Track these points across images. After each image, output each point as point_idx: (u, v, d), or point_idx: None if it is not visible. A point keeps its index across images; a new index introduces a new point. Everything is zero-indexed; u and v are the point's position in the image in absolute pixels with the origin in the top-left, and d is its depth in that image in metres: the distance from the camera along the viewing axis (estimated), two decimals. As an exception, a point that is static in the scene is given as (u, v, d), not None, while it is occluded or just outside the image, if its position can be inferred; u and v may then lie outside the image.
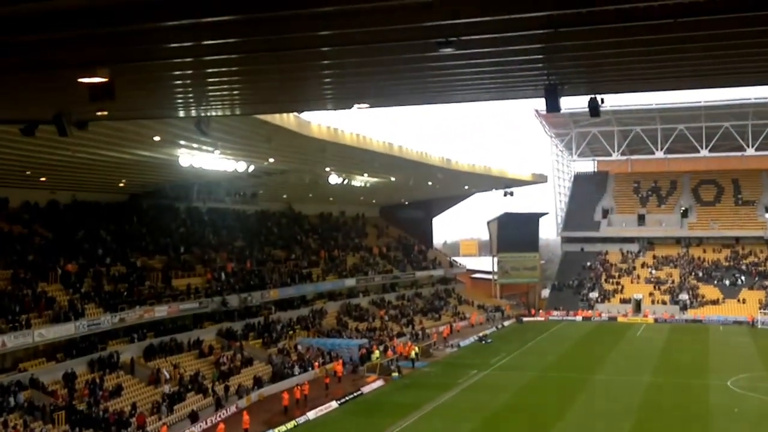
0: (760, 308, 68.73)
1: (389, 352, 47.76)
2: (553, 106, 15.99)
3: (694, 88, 19.85)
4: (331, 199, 67.29)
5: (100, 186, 43.66)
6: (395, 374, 44.05)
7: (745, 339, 57.95)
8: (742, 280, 74.95)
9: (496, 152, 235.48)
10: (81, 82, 13.39)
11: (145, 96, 18.01)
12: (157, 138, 29.67)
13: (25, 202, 40.69)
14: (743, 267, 77.65)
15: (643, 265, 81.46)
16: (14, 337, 30.30)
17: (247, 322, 46.57)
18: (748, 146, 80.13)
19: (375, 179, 55.20)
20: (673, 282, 77.01)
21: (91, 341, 35.06)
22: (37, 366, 32.22)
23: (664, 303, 73.47)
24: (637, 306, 73.51)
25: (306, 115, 33.89)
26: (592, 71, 15.86)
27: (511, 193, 68.08)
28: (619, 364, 47.04)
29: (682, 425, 31.62)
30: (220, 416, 33.60)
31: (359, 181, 54.46)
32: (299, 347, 46.26)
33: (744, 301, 71.25)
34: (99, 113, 19.44)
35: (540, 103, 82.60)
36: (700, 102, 78.74)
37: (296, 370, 42.08)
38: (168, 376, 35.72)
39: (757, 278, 74.84)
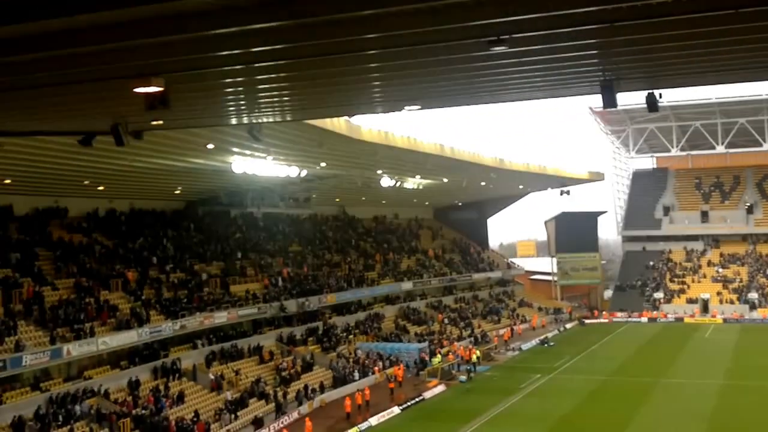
0: None
1: (450, 356, 47.39)
2: (609, 102, 15.56)
3: (757, 81, 18.99)
4: (384, 201, 67.35)
5: (157, 194, 44.80)
6: (462, 377, 43.83)
7: None
8: None
9: (551, 151, 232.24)
10: (137, 92, 13.62)
11: (199, 104, 18.25)
12: (210, 145, 30.19)
13: (84, 212, 41.91)
14: None
15: (708, 264, 79.02)
16: (78, 345, 31.14)
17: (307, 327, 46.91)
18: (813, 138, 76.62)
19: (427, 181, 54.99)
20: (741, 280, 74.47)
21: (154, 348, 35.85)
22: (101, 374, 33.05)
23: (732, 302, 71.09)
24: (705, 306, 71.29)
25: (357, 119, 34.07)
26: (649, 65, 15.38)
27: (568, 192, 66.97)
28: (689, 367, 45.83)
29: (759, 429, 30.56)
30: (282, 422, 33.85)
31: (412, 183, 54.37)
32: (359, 352, 46.31)
33: None
34: (154, 122, 19.88)
35: (594, 100, 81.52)
36: (761, 95, 75.90)
37: (356, 375, 42.12)
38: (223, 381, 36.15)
39: None
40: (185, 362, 36.75)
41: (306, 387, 38.47)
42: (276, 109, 20.08)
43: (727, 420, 32.42)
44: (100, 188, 39.19)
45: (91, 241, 40.17)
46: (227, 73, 14.34)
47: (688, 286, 75.19)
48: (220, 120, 22.37)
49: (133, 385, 32.92)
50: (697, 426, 31.19)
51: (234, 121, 22.24)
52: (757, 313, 68.27)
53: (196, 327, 37.98)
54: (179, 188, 44.07)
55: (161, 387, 33.75)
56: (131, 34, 10.69)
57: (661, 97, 17.34)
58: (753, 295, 70.85)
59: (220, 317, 39.72)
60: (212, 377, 36.46)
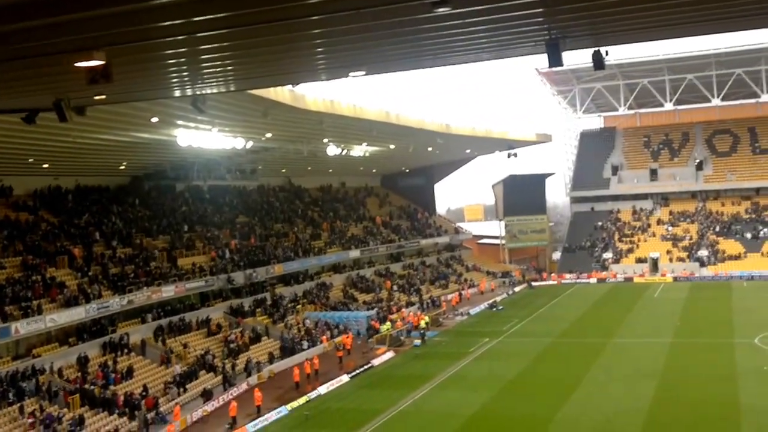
0: None
1: (399, 322, 48.70)
2: (555, 61, 16.03)
3: (704, 34, 20.30)
4: (330, 170, 68.05)
5: (102, 169, 44.98)
6: (417, 341, 45.14)
7: None
8: (764, 233, 74.35)
9: (498, 114, 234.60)
10: (78, 67, 13.95)
11: (142, 77, 18.49)
12: (154, 119, 30.38)
13: (30, 190, 41.98)
14: (765, 219, 76.94)
15: (658, 222, 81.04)
16: (27, 323, 31.48)
17: (255, 299, 47.77)
18: (763, 92, 79.13)
19: (374, 148, 55.74)
20: (690, 238, 76.50)
21: (102, 324, 36.36)
22: (50, 351, 33.44)
23: (682, 260, 73.12)
24: (654, 265, 73.20)
25: (301, 88, 34.39)
26: (594, 22, 15.82)
27: (515, 155, 68.50)
28: (639, 327, 46.85)
29: (709, 386, 31.18)
30: (231, 394, 34.73)
31: (358, 151, 55.06)
32: (307, 322, 47.34)
33: None
34: (97, 97, 20.10)
35: (540, 61, 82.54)
36: (709, 50, 77.63)
37: (305, 345, 43.20)
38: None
39: None
40: (133, 337, 37.40)
41: (251, 359, 39.52)
42: (220, 79, 20.41)
43: (677, 378, 33.21)
44: (45, 166, 39.14)
45: (37, 218, 40.37)
46: (169, 44, 14.71)
47: (638, 246, 77.26)
48: (164, 92, 22.63)
49: (82, 362, 33.45)
50: (646, 384, 31.81)
51: (178, 93, 22.51)
52: (707, 271, 70.57)
53: (144, 301, 38.58)
54: (124, 163, 44.22)
55: (110, 362, 34.33)
56: (71, 8, 11.07)
57: (607, 54, 17.88)
58: (703, 253, 73.09)
59: (168, 291, 40.34)
60: (160, 351, 37.04)
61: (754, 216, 78.02)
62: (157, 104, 27.24)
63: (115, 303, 36.34)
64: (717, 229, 77.25)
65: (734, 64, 78.25)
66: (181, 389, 34.16)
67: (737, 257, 71.77)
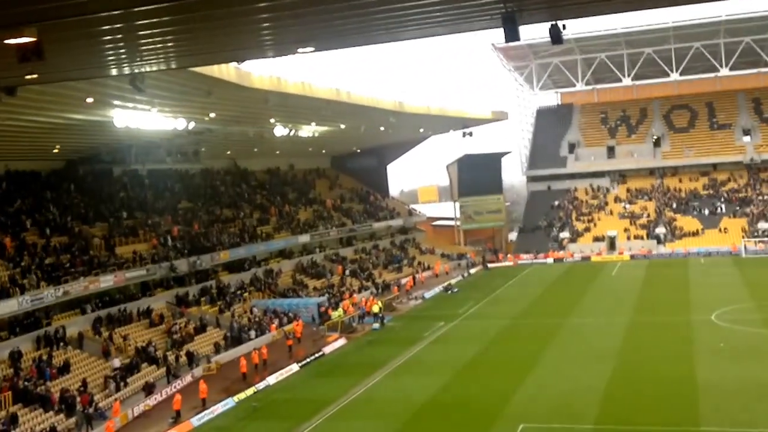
0: (743, 236, 70.42)
1: (351, 308, 49.14)
2: (511, 36, 16.21)
3: (663, 7, 20.83)
4: (278, 152, 67.76)
5: (34, 154, 43.92)
6: (376, 325, 45.89)
7: (728, 270, 59.36)
8: (722, 209, 76.75)
9: (453, 92, 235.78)
10: (7, 44, 13.78)
11: (76, 55, 18.33)
12: (90, 99, 29.92)
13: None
14: (723, 195, 79.33)
15: (615, 200, 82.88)
16: (-46, 317, 30.79)
17: (200, 287, 47.61)
18: (722, 66, 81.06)
19: (324, 128, 55.69)
20: (648, 216, 78.44)
21: (36, 317, 35.73)
22: (-20, 346, 32.78)
23: (640, 238, 74.85)
24: (611, 243, 74.95)
25: (247, 65, 34.19)
26: None
27: (471, 134, 68.99)
28: (595, 306, 47.99)
29: (666, 364, 31.91)
30: (175, 387, 34.64)
31: (307, 131, 54.95)
32: (255, 310, 47.42)
33: (726, 231, 73.03)
34: (28, 77, 19.81)
35: (497, 37, 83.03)
36: (668, 23, 79.07)
37: (252, 334, 43.30)
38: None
39: (738, 205, 76.73)
40: (70, 330, 36.87)
41: (196, 350, 39.46)
42: (159, 56, 20.29)
43: (634, 356, 34.00)
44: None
45: None
46: (105, 19, 14.63)
47: (595, 224, 79.00)
48: (100, 71, 22.35)
49: (15, 357, 32.83)
50: (603, 364, 32.41)
51: (115, 71, 22.28)
52: (665, 248, 72.69)
53: (81, 292, 37.97)
54: (57, 147, 43.23)
55: (45, 357, 33.82)
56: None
57: (564, 28, 18.26)
58: (660, 230, 75.23)
59: (107, 281, 39.80)
60: (99, 344, 36.78)
61: (711, 192, 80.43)
62: (92, 83, 26.83)
63: (50, 294, 35.63)
64: (674, 206, 79.34)
65: (693, 37, 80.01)
66: (122, 383, 33.94)
67: (695, 234, 73.99)
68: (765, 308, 42.33)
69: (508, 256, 77.74)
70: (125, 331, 39.21)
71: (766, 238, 69.59)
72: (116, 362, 35.37)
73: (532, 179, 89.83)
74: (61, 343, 35.61)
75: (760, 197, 77.47)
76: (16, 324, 34.77)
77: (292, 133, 52.58)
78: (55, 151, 44.40)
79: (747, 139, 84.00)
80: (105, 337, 37.57)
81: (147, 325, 41.05)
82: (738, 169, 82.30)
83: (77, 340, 36.58)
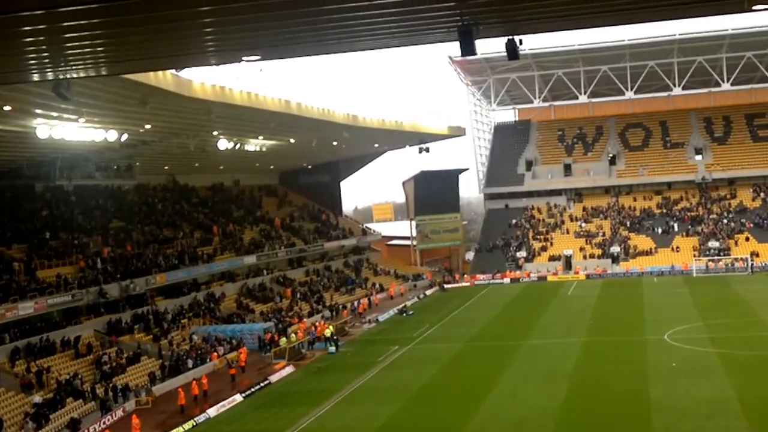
0: (694, 255, 73.12)
1: (300, 333, 48.30)
2: (467, 50, 16.36)
3: (620, 24, 21.45)
4: (221, 167, 66.55)
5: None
6: (332, 348, 45.62)
7: (680, 289, 61.59)
8: (674, 228, 79.39)
9: (409, 106, 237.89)
10: None
11: None
12: (7, 107, 28.72)
13: None
14: (676, 213, 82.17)
15: (571, 219, 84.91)
16: None
17: (132, 314, 45.99)
18: (675, 85, 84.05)
19: (272, 142, 55.00)
20: (603, 234, 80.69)
21: None
22: None
23: (595, 257, 76.93)
24: (567, 263, 76.88)
25: (186, 73, 33.44)
26: (508, 9, 16.30)
27: (427, 149, 69.72)
28: (551, 327, 49.23)
29: (620, 384, 33.16)
30: (105, 422, 33.30)
31: (253, 145, 54.12)
32: (194, 337, 46.09)
33: (678, 249, 75.75)
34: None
35: (454, 49, 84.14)
36: (623, 40, 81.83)
37: (191, 363, 42.00)
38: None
39: (690, 224, 79.49)
40: (-17, 362, 35.07)
41: (127, 382, 38.04)
42: (88, 62, 19.49)
43: (588, 377, 35.28)
44: None
45: None
46: (24, 19, 13.86)
47: (551, 243, 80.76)
48: (20, 76, 21.48)
49: None
50: (558, 385, 33.52)
51: (36, 77, 21.35)
52: (619, 267, 74.95)
53: (-4, 320, 36.20)
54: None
55: None
56: None
57: (521, 43, 18.49)
58: (615, 249, 77.39)
59: (26, 308, 37.97)
60: (18, 377, 34.88)
61: (664, 211, 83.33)
62: (10, 89, 25.69)
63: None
64: (629, 224, 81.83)
65: (647, 56, 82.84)
66: (43, 420, 32.15)
67: (648, 252, 76.62)
68: (714, 327, 44.54)
69: (465, 276, 78.25)
70: (47, 362, 37.29)
71: (716, 257, 72.13)
72: (37, 398, 33.51)
73: (489, 197, 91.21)
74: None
75: (711, 216, 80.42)
76: None
77: (237, 147, 51.54)
78: (-33, 165, 42.42)
79: (699, 158, 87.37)
80: (23, 370, 35.67)
81: (72, 356, 39.22)
82: (690, 188, 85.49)
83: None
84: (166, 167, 61.09)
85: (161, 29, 15.95)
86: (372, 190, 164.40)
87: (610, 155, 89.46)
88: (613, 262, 75.71)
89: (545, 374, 35.99)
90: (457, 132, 78.64)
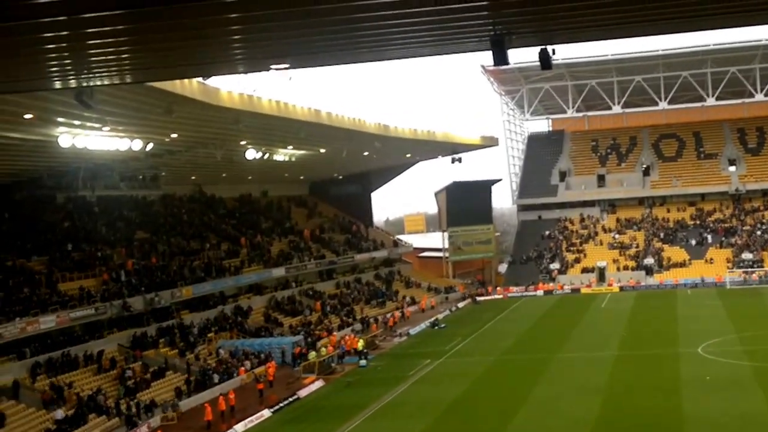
0: (728, 267, 72.66)
1: (329, 347, 47.84)
2: (500, 60, 16.56)
3: (651, 35, 21.67)
4: (250, 177, 66.36)
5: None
6: (362, 362, 45.41)
7: (714, 301, 61.41)
8: (708, 239, 79.06)
9: (441, 115, 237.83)
10: None
11: (12, 65, 17.29)
12: (28, 116, 28.48)
13: None
14: (709, 225, 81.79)
15: (605, 230, 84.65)
16: None
17: (157, 327, 45.49)
18: (708, 96, 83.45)
19: (301, 152, 54.70)
20: (637, 246, 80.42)
21: None
22: None
23: (629, 269, 76.67)
24: (601, 274, 76.50)
25: (214, 80, 33.00)
26: (541, 19, 16.19)
27: (459, 160, 69.42)
28: (584, 340, 49.20)
29: (653, 398, 33.21)
30: (129, 440, 32.98)
31: (282, 155, 53.79)
32: (221, 351, 45.67)
33: (711, 261, 75.31)
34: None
35: (487, 58, 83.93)
36: (657, 50, 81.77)
37: (216, 378, 41.59)
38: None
39: (723, 236, 78.94)
40: (4, 378, 34.52)
41: (153, 397, 37.46)
42: (112, 69, 19.25)
43: (622, 390, 35.25)
44: None
45: None
46: (47, 25, 13.55)
47: (585, 255, 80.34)
48: (41, 84, 21.24)
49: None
50: (591, 398, 33.60)
51: (59, 85, 21.19)
52: (653, 279, 74.53)
53: (16, 335, 35.55)
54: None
55: None
56: None
57: (554, 53, 18.44)
58: (649, 261, 77.03)
59: (47, 322, 37.35)
60: (39, 393, 34.49)
61: (698, 222, 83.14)
62: (31, 97, 25.49)
63: (-22, 338, 33.37)
64: (662, 236, 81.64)
65: (680, 66, 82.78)
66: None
67: (682, 264, 76.46)
68: (748, 340, 44.58)
69: (498, 288, 77.78)
70: (69, 378, 36.87)
71: (749, 269, 71.78)
72: (59, 413, 33.03)
73: (522, 208, 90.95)
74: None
75: (744, 228, 79.90)
76: None
77: (265, 157, 51.25)
78: (-15, 173, 42.23)
79: (732, 169, 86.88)
80: (44, 386, 35.31)
81: (95, 371, 38.81)
82: (724, 199, 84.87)
83: (12, 390, 34.08)
84: (193, 177, 61.01)
85: (187, 36, 15.70)
86: (403, 201, 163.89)
87: (644, 166, 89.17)
88: (646, 274, 75.36)
89: (578, 388, 36.09)
90: (490, 142, 78.28)
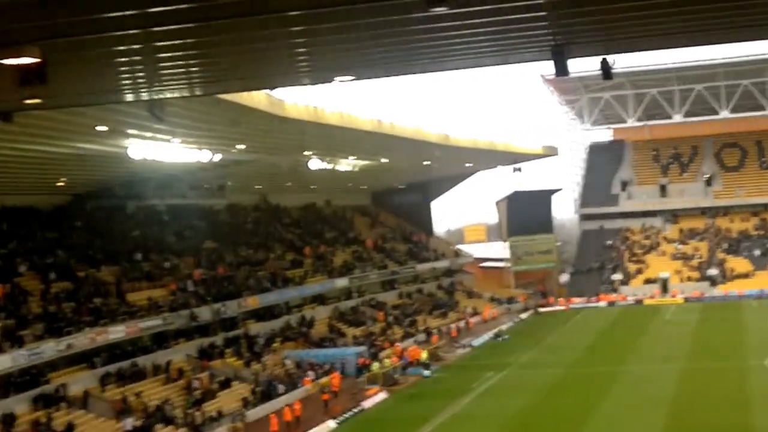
0: None
1: (394, 358, 47.59)
2: (561, 70, 16.35)
3: (714, 44, 21.56)
4: (313, 187, 66.54)
5: (34, 188, 42.28)
6: (426, 372, 45.20)
7: None
8: None
9: (500, 124, 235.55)
10: (5, 65, 12.89)
11: (85, 78, 17.50)
12: (101, 127, 28.89)
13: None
14: None
15: (667, 241, 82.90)
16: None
17: (224, 338, 45.56)
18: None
19: (364, 162, 54.78)
20: (700, 257, 78.57)
21: (32, 374, 33.48)
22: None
23: (693, 280, 75.10)
24: (664, 286, 74.83)
25: (279, 93, 33.46)
26: (602, 28, 15.98)
27: (520, 169, 68.47)
28: (649, 352, 48.32)
29: (720, 413, 32.37)
30: (197, 448, 33.11)
31: (346, 165, 53.87)
32: (286, 362, 45.68)
33: None
34: (29, 101, 18.82)
35: (546, 67, 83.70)
36: (717, 59, 79.78)
37: (282, 388, 41.44)
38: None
39: None
40: (74, 388, 34.76)
41: (220, 408, 37.52)
42: (182, 82, 19.50)
43: (688, 404, 34.69)
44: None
45: None
46: (120, 39, 13.68)
47: (647, 266, 78.57)
48: (113, 97, 21.54)
49: (8, 421, 30.52)
50: (657, 413, 33.04)
51: (130, 97, 21.48)
52: (718, 290, 72.50)
53: (87, 345, 35.75)
54: (63, 180, 41.78)
55: (44, 419, 31.54)
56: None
57: (615, 63, 18.08)
58: (713, 272, 74.96)
59: (117, 332, 37.53)
60: (108, 403, 34.79)
61: (762, 233, 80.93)
62: (104, 109, 25.81)
63: (50, 348, 33.43)
64: (726, 246, 79.65)
65: (742, 74, 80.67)
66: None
67: (746, 275, 74.23)
68: None
69: (560, 299, 76.66)
70: (137, 388, 37.03)
71: None
72: (129, 423, 33.13)
73: (584, 218, 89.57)
74: (62, 403, 33.40)
75: None
76: (9, 383, 32.47)
77: (329, 167, 51.40)
78: (60, 184, 42.69)
79: None
80: (115, 395, 35.63)
81: (163, 381, 38.94)
82: None
83: (82, 399, 34.43)
84: (258, 187, 61.46)
85: (255, 50, 15.84)
86: (464, 211, 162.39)
87: (706, 176, 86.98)
88: (711, 285, 73.50)
89: (643, 402, 35.36)
90: (550, 152, 77.39)
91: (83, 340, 35.45)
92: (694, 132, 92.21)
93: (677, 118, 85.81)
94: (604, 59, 17.74)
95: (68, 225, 45.02)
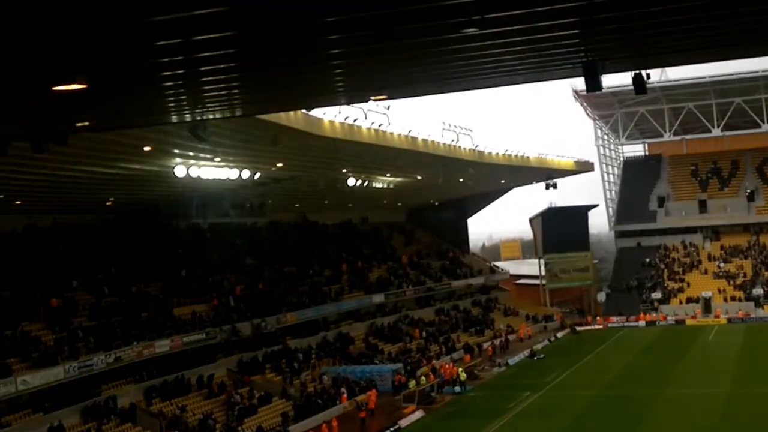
0: None
1: (430, 376, 47.28)
2: (593, 85, 16.04)
3: (752, 56, 20.29)
4: (350, 204, 66.84)
5: (84, 206, 43.28)
6: (457, 388, 45.06)
7: None
8: None
9: (534, 140, 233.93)
10: (56, 91, 13.31)
11: (131, 102, 17.84)
12: (147, 148, 29.47)
13: (-1, 230, 40.22)
14: None
15: (709, 258, 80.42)
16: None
17: (264, 353, 45.99)
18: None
19: (399, 179, 54.79)
20: (745, 275, 75.92)
21: (82, 386, 34.21)
22: (21, 419, 31.38)
23: (736, 299, 72.59)
24: (707, 305, 72.55)
25: (316, 112, 33.64)
26: (634, 44, 15.72)
27: (555, 185, 67.79)
28: (692, 375, 47.04)
29: None
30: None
31: (381, 182, 54.06)
32: (324, 378, 45.75)
33: None
34: (79, 125, 19.34)
35: (579, 83, 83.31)
36: (758, 71, 77.76)
37: (321, 404, 41.55)
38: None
39: None
40: (122, 400, 35.41)
41: (260, 423, 37.72)
42: (224, 104, 19.78)
43: (732, 431, 33.53)
44: (17, 203, 37.64)
45: (6, 263, 38.35)
46: (165, 65, 13.99)
47: (688, 284, 76.34)
48: (159, 119, 21.92)
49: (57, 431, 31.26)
50: None
51: (174, 119, 21.83)
52: (763, 311, 69.77)
53: (134, 358, 36.56)
54: (111, 199, 42.72)
55: (93, 431, 32.29)
56: (48, 22, 10.07)
57: (648, 77, 17.91)
58: (758, 291, 72.27)
59: (162, 346, 38.28)
60: (156, 416, 35.21)
61: None
62: (150, 131, 26.33)
63: (100, 360, 34.19)
64: None
65: None
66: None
67: None
68: None
69: (597, 318, 75.09)
70: (182, 401, 37.53)
71: None
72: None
73: (620, 234, 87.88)
74: (112, 416, 33.99)
75: None
76: (61, 394, 33.14)
77: (365, 185, 51.71)
78: (109, 203, 43.63)
79: None
80: (160, 409, 36.08)
81: (205, 395, 39.39)
82: None
83: (129, 412, 35.01)
84: (297, 205, 61.88)
85: (293, 73, 16.03)
86: (499, 227, 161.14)
87: (748, 191, 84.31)
88: (756, 305, 70.70)
89: (687, 429, 34.29)
90: (585, 167, 76.41)
91: (131, 353, 36.16)
92: (734, 146, 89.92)
93: (716, 132, 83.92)
94: (638, 74, 17.54)
95: (117, 242, 46.00)
